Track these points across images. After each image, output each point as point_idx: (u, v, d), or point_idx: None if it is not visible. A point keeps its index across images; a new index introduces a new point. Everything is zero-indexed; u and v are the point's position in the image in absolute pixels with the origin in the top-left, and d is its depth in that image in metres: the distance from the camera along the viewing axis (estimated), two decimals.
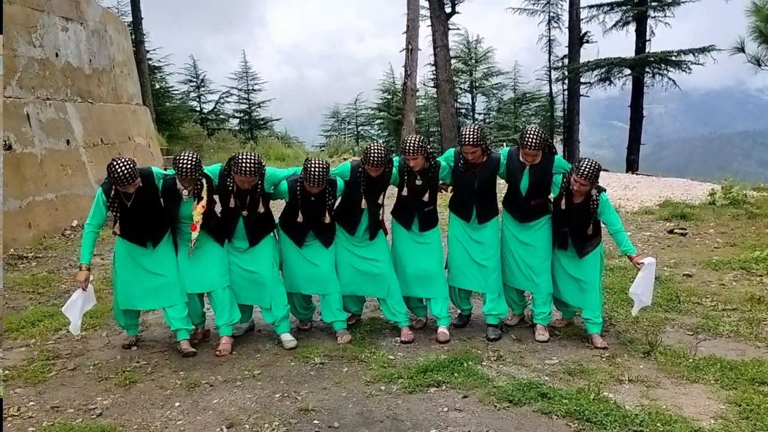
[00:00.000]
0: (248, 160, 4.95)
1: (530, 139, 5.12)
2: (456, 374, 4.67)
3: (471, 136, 5.17)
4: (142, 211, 5.01)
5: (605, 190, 5.33)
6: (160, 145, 16.88)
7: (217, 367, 4.95)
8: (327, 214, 5.30)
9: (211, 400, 4.39)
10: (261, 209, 5.19)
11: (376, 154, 5.16)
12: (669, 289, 6.64)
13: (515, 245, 5.54)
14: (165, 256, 5.20)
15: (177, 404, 4.34)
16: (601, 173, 5.35)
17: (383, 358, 5.05)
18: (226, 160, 5.17)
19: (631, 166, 22.65)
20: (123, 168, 4.74)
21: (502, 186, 5.65)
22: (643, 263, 5.18)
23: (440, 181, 5.53)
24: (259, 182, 5.12)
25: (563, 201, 5.23)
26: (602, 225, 5.39)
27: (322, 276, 5.45)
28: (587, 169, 5.00)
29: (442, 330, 5.53)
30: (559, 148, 23.08)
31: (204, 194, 5.03)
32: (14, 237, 8.63)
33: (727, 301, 6.34)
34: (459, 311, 5.88)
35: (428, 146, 5.35)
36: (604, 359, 5.00)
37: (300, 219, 5.24)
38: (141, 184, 4.91)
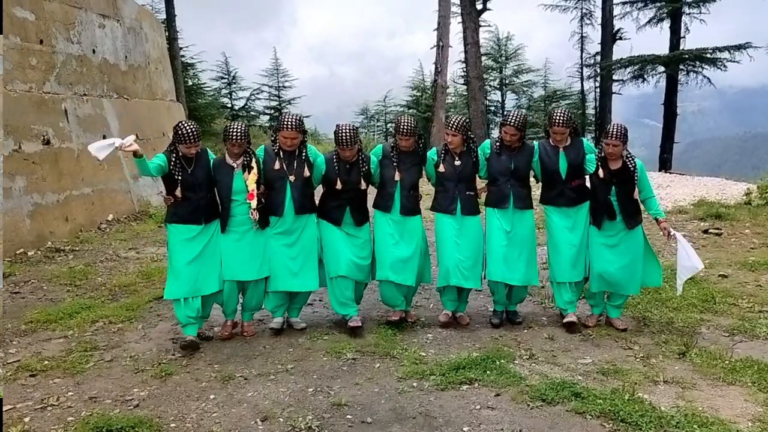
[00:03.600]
0: (292, 116, 5.35)
1: (558, 117, 5.41)
2: (488, 372, 4.66)
3: (515, 119, 5.43)
4: (201, 180, 5.22)
5: None
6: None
7: (251, 361, 5.01)
8: (363, 180, 5.49)
9: (246, 393, 4.45)
10: (306, 173, 5.38)
11: (405, 124, 5.42)
12: (704, 289, 6.55)
13: (566, 235, 5.57)
14: (216, 240, 5.33)
15: (212, 397, 4.40)
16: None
17: (415, 354, 5.06)
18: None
19: (665, 164, 22.33)
20: (188, 127, 5.09)
21: (535, 188, 5.67)
22: (669, 230, 5.45)
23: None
24: (303, 146, 5.39)
25: (600, 170, 5.38)
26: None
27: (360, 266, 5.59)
28: (615, 131, 5.27)
29: (461, 314, 5.85)
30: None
31: (254, 164, 5.22)
32: (52, 230, 8.82)
33: (763, 302, 6.24)
34: (493, 309, 5.87)
35: (469, 129, 5.57)
36: (638, 360, 4.95)
37: (339, 186, 5.43)
38: (200, 152, 5.22)
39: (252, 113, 30.75)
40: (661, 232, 5.54)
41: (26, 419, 4.10)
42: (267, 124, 30.22)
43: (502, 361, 4.85)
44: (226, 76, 29.99)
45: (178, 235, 5.24)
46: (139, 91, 12.47)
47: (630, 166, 5.34)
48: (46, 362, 5.00)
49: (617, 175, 5.36)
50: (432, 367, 4.77)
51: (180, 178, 5.16)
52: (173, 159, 5.15)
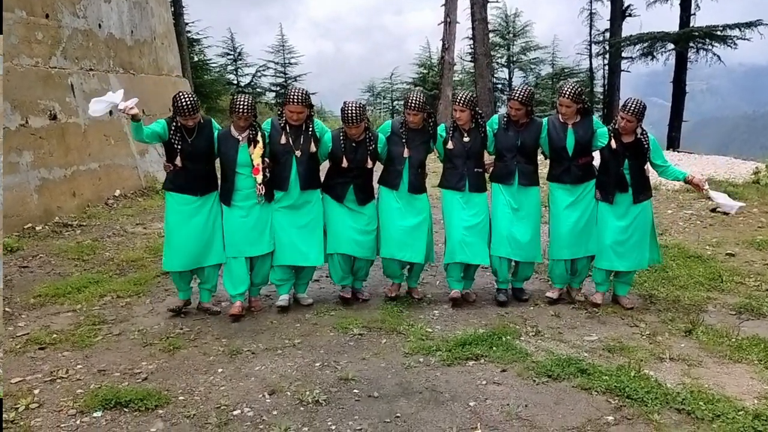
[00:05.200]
0: (298, 90, 5.31)
1: (568, 89, 5.38)
2: (494, 348, 4.68)
3: (521, 93, 5.41)
4: (200, 151, 5.23)
5: None
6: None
7: (258, 336, 5.04)
8: (369, 159, 5.46)
9: (253, 367, 4.48)
10: (312, 148, 5.36)
11: (415, 99, 5.37)
12: (711, 268, 6.54)
13: (566, 213, 5.57)
14: (215, 214, 5.37)
15: (220, 370, 4.43)
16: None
17: (421, 330, 5.08)
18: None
19: (673, 143, 22.23)
20: (187, 99, 5.07)
21: (543, 165, 5.64)
22: (703, 182, 5.44)
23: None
24: (309, 121, 5.35)
25: (613, 142, 5.35)
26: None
27: (366, 240, 5.61)
28: (633, 106, 5.20)
29: (467, 291, 5.85)
30: None
31: (259, 138, 5.21)
32: (59, 205, 8.84)
33: None
34: (496, 287, 5.88)
35: (477, 104, 5.53)
36: (644, 337, 4.96)
37: (345, 164, 5.40)
38: (201, 122, 5.21)
39: (258, 90, 30.65)
40: (696, 189, 5.53)
41: (36, 391, 4.14)
42: (273, 101, 30.13)
43: (508, 337, 4.87)
44: (232, 53, 29.88)
45: (175, 204, 5.30)
46: (145, 66, 12.42)
47: (644, 141, 5.31)
48: (55, 335, 5.04)
49: (630, 149, 5.34)
50: (438, 343, 4.79)
51: (180, 147, 5.17)
52: (173, 128, 5.15)
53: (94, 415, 3.85)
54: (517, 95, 5.39)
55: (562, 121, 5.47)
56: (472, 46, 22.98)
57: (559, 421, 3.72)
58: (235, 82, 29.87)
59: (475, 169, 5.56)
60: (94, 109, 5.10)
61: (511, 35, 33.01)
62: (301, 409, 3.90)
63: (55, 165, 8.93)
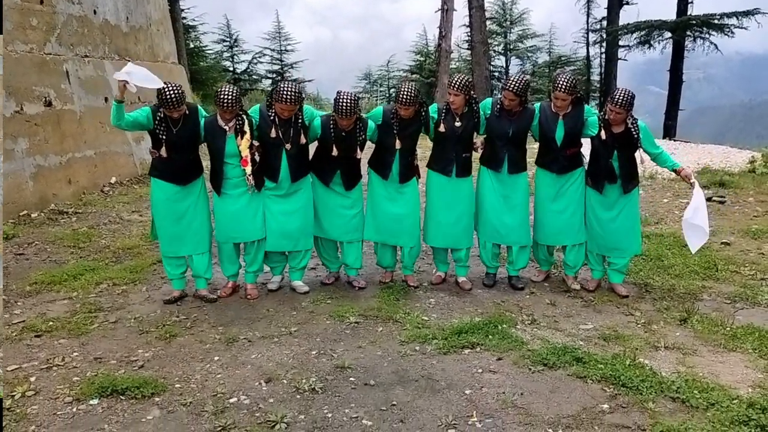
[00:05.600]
0: (289, 88, 5.13)
1: (562, 82, 5.28)
2: (490, 337, 4.69)
3: (515, 84, 5.31)
4: (185, 143, 5.18)
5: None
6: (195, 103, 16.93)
7: (254, 324, 5.04)
8: (359, 149, 5.42)
9: (250, 355, 4.48)
10: (303, 140, 5.32)
11: (406, 93, 5.26)
12: (707, 257, 6.56)
13: (549, 202, 5.64)
14: (200, 201, 5.37)
15: (216, 358, 4.44)
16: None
17: (417, 318, 5.09)
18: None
19: (669, 132, 22.23)
20: (172, 92, 4.95)
21: (532, 150, 5.64)
22: (692, 177, 5.39)
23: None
24: (299, 113, 5.27)
25: (603, 132, 5.33)
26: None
27: (348, 224, 5.64)
28: (621, 98, 5.15)
29: (463, 279, 5.85)
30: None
31: (246, 128, 5.15)
32: (55, 192, 8.81)
33: (765, 270, 6.25)
34: (486, 271, 5.93)
35: (472, 89, 5.46)
36: (639, 326, 4.98)
37: (335, 153, 5.35)
38: (187, 112, 5.13)
39: (254, 77, 30.54)
40: (684, 180, 5.49)
41: (32, 379, 4.14)
42: (269, 88, 30.00)
43: (504, 325, 4.89)
44: (228, 39, 29.73)
45: (160, 192, 5.29)
46: (140, 52, 12.34)
47: (633, 131, 5.29)
48: (51, 323, 5.03)
49: (620, 139, 5.33)
50: (434, 332, 4.80)
51: (164, 137, 5.11)
52: (158, 118, 5.08)
53: (91, 402, 3.86)
54: (511, 86, 5.31)
55: (553, 110, 5.44)
56: (469, 33, 22.98)
57: (555, 410, 3.74)
58: (231, 69, 29.73)
59: (464, 154, 5.54)
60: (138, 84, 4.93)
61: (508, 23, 32.92)
62: (298, 397, 3.91)
63: (50, 152, 8.89)
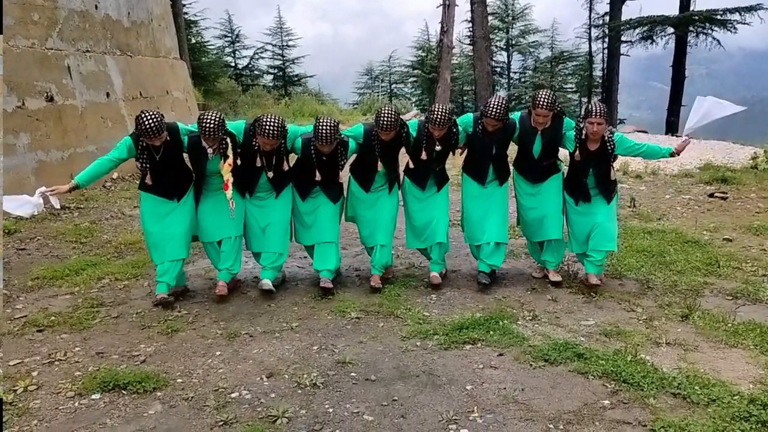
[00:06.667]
0: (272, 124, 5.08)
1: (543, 100, 5.30)
2: (491, 332, 4.69)
3: (497, 110, 5.29)
4: (171, 165, 5.13)
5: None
6: (196, 99, 16.96)
7: (256, 319, 5.05)
8: (340, 173, 5.47)
9: (251, 350, 4.49)
10: (285, 167, 5.38)
11: (386, 119, 5.24)
12: (709, 253, 6.55)
13: (528, 201, 5.74)
14: (187, 210, 5.34)
15: (218, 353, 4.45)
16: (640, 135, 5.47)
17: (418, 314, 5.10)
18: (251, 118, 5.34)
19: (671, 128, 22.23)
20: (150, 121, 4.84)
21: (511, 149, 5.71)
22: (687, 142, 5.45)
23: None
24: (282, 142, 5.27)
25: (578, 153, 5.40)
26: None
27: (319, 226, 5.63)
28: (598, 108, 5.26)
29: (434, 274, 5.76)
30: None
31: (230, 152, 5.11)
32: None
33: (767, 266, 6.24)
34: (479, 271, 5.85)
35: (453, 117, 5.48)
36: (641, 322, 4.97)
37: (318, 178, 5.37)
38: (168, 138, 5.03)
39: (255, 72, 30.55)
40: (683, 147, 5.46)
41: (34, 373, 4.15)
42: (271, 84, 30.02)
43: (505, 321, 4.88)
44: (230, 35, 29.79)
45: (151, 203, 5.25)
46: (142, 48, 12.34)
47: (609, 147, 5.34)
48: (53, 318, 5.04)
49: (595, 157, 5.38)
50: (435, 327, 4.81)
51: (148, 165, 5.06)
52: (140, 147, 5.01)
53: (93, 397, 3.87)
54: (493, 112, 5.26)
55: (532, 125, 5.46)
56: (470, 29, 22.95)
57: (556, 405, 3.74)
58: (233, 64, 29.75)
59: (438, 169, 5.64)
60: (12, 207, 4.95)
61: (510, 18, 32.91)
62: (299, 392, 3.92)
63: (52, 147, 8.90)
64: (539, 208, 5.69)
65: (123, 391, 3.91)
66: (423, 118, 5.59)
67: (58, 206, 5.08)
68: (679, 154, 5.50)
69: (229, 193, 5.15)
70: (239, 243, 5.51)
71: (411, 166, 5.69)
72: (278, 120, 5.13)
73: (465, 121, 5.59)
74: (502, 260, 5.89)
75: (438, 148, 5.44)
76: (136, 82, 11.71)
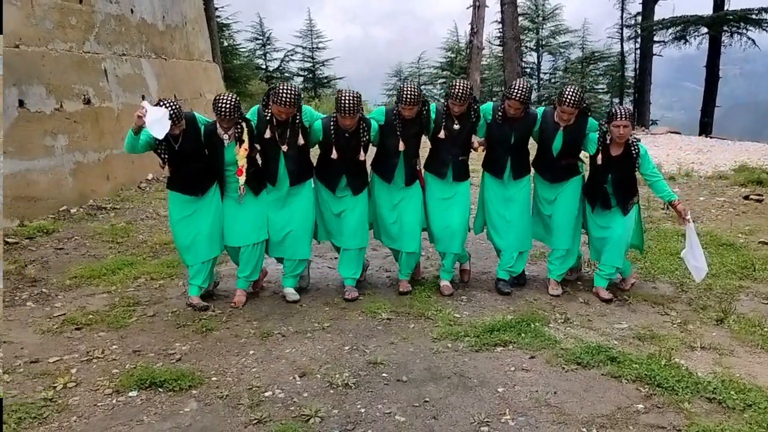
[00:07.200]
0: (287, 90, 4.98)
1: (569, 96, 5.16)
2: (523, 335, 4.68)
3: (522, 92, 5.18)
4: (190, 154, 5.09)
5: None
6: None
7: (288, 319, 5.10)
8: (362, 151, 5.31)
9: (284, 350, 4.54)
10: (301, 141, 5.19)
11: (409, 93, 5.14)
12: (744, 256, 6.46)
13: (543, 205, 5.65)
14: (213, 208, 5.27)
15: (251, 352, 4.51)
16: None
17: (449, 316, 5.11)
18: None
19: (705, 129, 21.88)
20: (169, 108, 4.83)
21: (532, 147, 5.63)
22: (687, 214, 5.24)
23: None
24: (298, 114, 5.15)
25: (600, 156, 5.25)
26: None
27: (347, 231, 5.51)
28: (623, 111, 5.11)
29: (445, 283, 5.70)
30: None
31: (245, 137, 5.06)
32: (93, 188, 8.99)
33: None
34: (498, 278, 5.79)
35: (473, 94, 5.35)
36: (675, 325, 4.92)
37: (335, 155, 5.24)
38: (185, 127, 5.03)
39: (286, 74, 30.75)
40: (678, 215, 5.33)
41: (73, 370, 4.25)
42: (301, 85, 30.18)
43: (537, 324, 4.87)
44: (261, 37, 29.99)
45: (178, 203, 5.23)
46: (176, 51, 12.52)
47: (633, 151, 5.18)
48: (91, 316, 5.15)
49: (616, 163, 5.22)
50: (466, 329, 4.81)
51: (166, 156, 5.05)
52: None
53: (130, 394, 3.95)
54: (517, 94, 5.16)
55: (556, 120, 5.33)
56: (500, 30, 22.81)
57: (589, 409, 3.73)
58: (264, 66, 29.98)
59: (460, 158, 5.45)
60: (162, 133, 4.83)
61: (540, 18, 32.66)
62: (331, 391, 3.96)
63: (89, 149, 9.07)
64: (554, 215, 5.58)
65: (159, 389, 3.98)
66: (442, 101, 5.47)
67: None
68: (674, 208, 5.31)
69: (242, 179, 5.11)
70: (259, 250, 5.42)
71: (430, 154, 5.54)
72: (293, 88, 5.05)
73: (485, 109, 5.47)
74: (523, 267, 5.81)
75: (456, 126, 5.32)
76: (170, 85, 11.88)
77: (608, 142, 5.19)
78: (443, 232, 5.57)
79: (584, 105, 5.30)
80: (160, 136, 4.76)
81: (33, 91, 8.13)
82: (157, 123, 4.72)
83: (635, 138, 5.25)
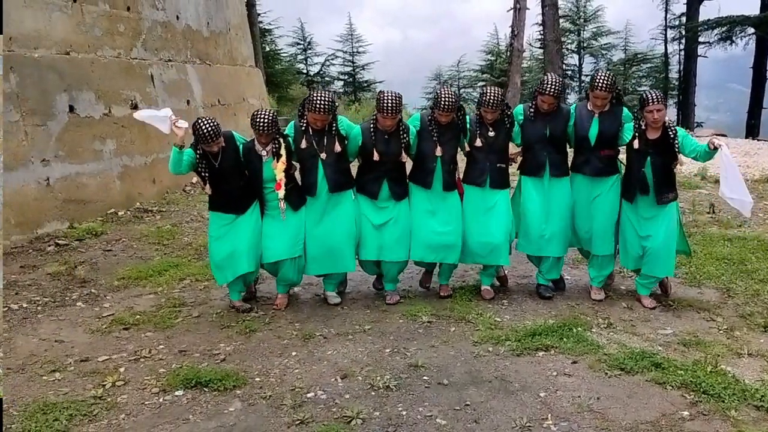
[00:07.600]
0: (322, 98, 5.00)
1: (602, 80, 5.12)
2: (565, 339, 4.65)
3: (553, 86, 5.16)
4: (230, 172, 5.13)
5: None
6: (270, 106, 17.35)
7: (329, 321, 5.16)
8: (403, 152, 5.30)
9: (326, 352, 4.59)
10: (338, 148, 5.17)
11: (446, 99, 5.10)
12: None
13: (586, 207, 5.47)
14: (251, 224, 5.26)
15: (294, 353, 4.57)
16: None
17: (490, 319, 5.10)
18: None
19: (752, 131, 21.40)
20: (207, 126, 4.88)
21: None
22: (718, 143, 4.86)
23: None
24: (333, 122, 5.16)
25: (636, 141, 5.11)
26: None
27: (392, 240, 5.43)
28: (654, 95, 5.02)
29: (486, 288, 5.69)
30: (672, 111, 22.04)
31: (283, 152, 5.09)
32: (140, 191, 9.21)
33: None
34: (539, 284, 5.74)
35: (505, 101, 5.31)
36: (721, 332, 4.83)
37: (376, 157, 5.23)
38: (224, 144, 5.07)
39: (326, 79, 31.01)
40: (711, 148, 4.95)
41: (121, 369, 4.36)
42: (341, 90, 30.41)
43: (579, 329, 4.83)
44: (302, 42, 30.35)
45: (218, 221, 5.26)
46: (220, 56, 12.74)
47: (671, 132, 5.03)
48: (138, 316, 5.28)
49: (655, 146, 5.08)
50: (507, 333, 4.80)
51: (207, 174, 5.08)
52: (198, 155, 5.04)
53: (176, 393, 4.04)
54: (550, 89, 5.13)
55: (589, 109, 5.27)
56: (541, 32, 22.64)
57: (632, 415, 3.69)
58: (305, 71, 30.28)
59: (498, 165, 5.38)
60: (142, 115, 5.20)
61: (581, 20, 32.36)
62: (372, 393, 3.99)
63: (136, 153, 9.29)
64: (595, 221, 5.45)
65: (204, 389, 4.06)
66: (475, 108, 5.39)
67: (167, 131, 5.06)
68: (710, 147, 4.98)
69: (281, 193, 5.14)
70: (297, 264, 5.39)
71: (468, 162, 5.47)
72: (328, 95, 5.07)
73: (516, 112, 5.43)
74: (560, 273, 5.75)
75: (491, 133, 5.28)
76: (214, 90, 12.09)
77: (644, 128, 5.08)
78: (484, 248, 5.45)
79: (617, 90, 5.24)
80: (167, 130, 5.00)
81: (83, 96, 8.37)
82: (160, 121, 5.03)
83: (671, 120, 5.14)
